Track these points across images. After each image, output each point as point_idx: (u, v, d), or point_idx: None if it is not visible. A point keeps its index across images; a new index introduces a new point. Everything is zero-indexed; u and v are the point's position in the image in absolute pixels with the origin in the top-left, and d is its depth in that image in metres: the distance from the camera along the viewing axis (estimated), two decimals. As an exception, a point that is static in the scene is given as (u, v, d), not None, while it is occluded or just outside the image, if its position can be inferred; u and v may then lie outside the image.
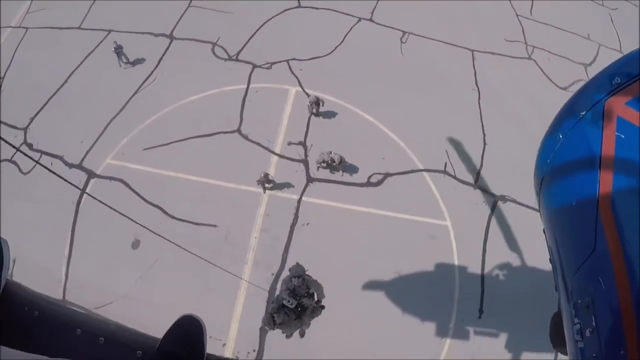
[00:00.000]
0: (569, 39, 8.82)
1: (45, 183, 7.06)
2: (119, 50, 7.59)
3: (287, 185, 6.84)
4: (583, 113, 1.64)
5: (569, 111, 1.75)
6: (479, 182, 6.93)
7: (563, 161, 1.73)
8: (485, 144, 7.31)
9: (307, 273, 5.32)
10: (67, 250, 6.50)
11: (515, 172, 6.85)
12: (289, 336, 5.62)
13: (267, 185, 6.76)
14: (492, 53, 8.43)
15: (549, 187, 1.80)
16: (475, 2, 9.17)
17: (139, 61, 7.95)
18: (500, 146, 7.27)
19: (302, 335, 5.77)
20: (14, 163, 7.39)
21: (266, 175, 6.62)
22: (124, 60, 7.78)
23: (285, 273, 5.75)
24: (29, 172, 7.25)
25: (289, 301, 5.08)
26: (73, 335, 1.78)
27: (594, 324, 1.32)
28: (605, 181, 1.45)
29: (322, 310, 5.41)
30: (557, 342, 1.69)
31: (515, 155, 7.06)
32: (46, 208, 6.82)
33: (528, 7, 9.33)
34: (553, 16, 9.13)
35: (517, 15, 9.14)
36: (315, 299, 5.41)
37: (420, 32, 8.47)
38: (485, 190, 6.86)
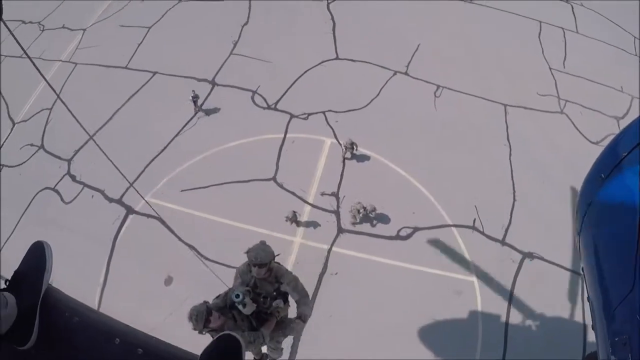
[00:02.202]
0: (601, 92, 8.92)
1: (85, 214, 7.54)
2: (195, 99, 8.05)
3: (319, 235, 7.10)
4: (624, 154, 1.74)
5: (611, 153, 1.92)
6: (506, 239, 7.04)
7: (604, 202, 1.83)
8: (514, 200, 7.42)
9: (277, 261, 4.40)
10: (102, 279, 6.84)
11: (544, 229, 7.09)
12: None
13: (296, 221, 7.08)
14: (525, 107, 8.59)
15: (589, 227, 1.88)
16: (509, 56, 9.39)
17: (212, 111, 8.39)
18: (529, 202, 7.38)
19: None
20: (57, 192, 7.88)
21: (294, 213, 6.95)
22: (198, 108, 8.23)
23: (312, 322, 5.83)
24: (71, 202, 7.71)
25: (240, 300, 3.87)
26: (112, 344, 1.86)
27: None
28: None
29: (303, 326, 4.43)
30: None
31: (544, 212, 7.27)
32: (84, 238, 7.18)
33: (561, 60, 9.49)
34: (586, 69, 9.24)
35: (550, 69, 9.29)
36: (289, 305, 4.56)
37: (454, 87, 8.73)
38: (512, 247, 6.97)
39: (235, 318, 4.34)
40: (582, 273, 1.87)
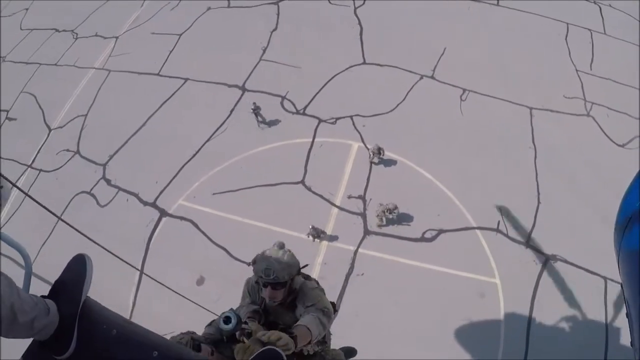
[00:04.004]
0: (629, 93, 8.86)
1: (120, 217, 7.93)
2: (257, 111, 8.26)
3: (345, 236, 7.32)
4: None
5: None
6: (530, 241, 7.13)
7: None
8: (539, 202, 7.50)
9: (306, 273, 3.60)
10: (136, 279, 7.20)
11: (568, 232, 7.14)
12: None
13: (318, 237, 7.19)
14: (551, 110, 8.63)
15: (630, 240, 1.85)
16: (535, 58, 9.43)
17: (273, 122, 8.59)
18: (554, 205, 7.45)
19: None
20: (93, 195, 8.31)
21: (315, 228, 7.09)
22: (261, 119, 8.43)
23: (338, 320, 5.93)
24: (106, 205, 8.13)
25: (231, 328, 2.61)
26: (150, 357, 1.90)
27: None
28: None
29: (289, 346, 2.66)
30: None
31: (568, 215, 7.33)
32: (119, 240, 7.32)
33: (588, 62, 9.45)
34: (613, 70, 9.21)
35: (577, 71, 9.28)
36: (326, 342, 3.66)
37: (480, 90, 8.84)
38: (536, 249, 7.05)
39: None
40: (621, 288, 1.92)
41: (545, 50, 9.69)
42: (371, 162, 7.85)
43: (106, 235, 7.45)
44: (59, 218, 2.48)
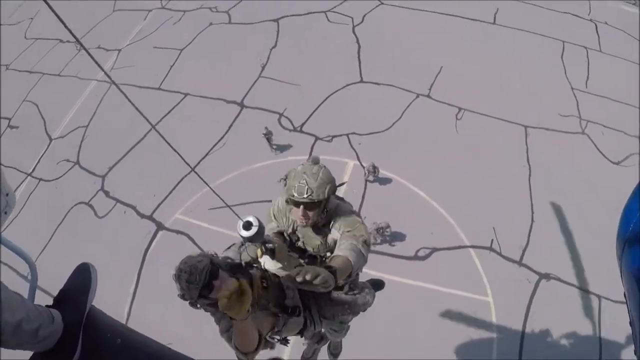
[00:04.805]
0: (624, 111, 8.96)
1: (117, 228, 7.98)
2: (269, 136, 8.30)
3: None
4: None
5: None
6: (524, 260, 7.16)
7: None
8: (533, 221, 7.53)
9: (341, 197, 3.36)
10: (132, 289, 7.23)
11: (562, 250, 7.20)
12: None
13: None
14: (546, 129, 8.70)
15: (632, 250, 1.81)
16: (531, 77, 9.56)
17: (285, 147, 8.59)
18: (548, 223, 7.49)
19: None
20: (91, 206, 8.37)
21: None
22: (274, 145, 8.47)
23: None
24: (104, 216, 8.19)
25: (252, 234, 2.50)
26: None
27: None
28: None
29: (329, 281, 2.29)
30: None
31: (563, 233, 7.38)
32: (116, 251, 7.60)
33: (584, 80, 9.56)
34: (609, 87, 9.31)
35: (572, 89, 9.38)
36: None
37: (475, 109, 8.95)
38: (529, 268, 7.08)
39: (264, 284, 2.82)
40: (624, 297, 1.91)
41: (541, 69, 9.81)
42: (366, 180, 7.93)
43: (103, 245, 7.69)
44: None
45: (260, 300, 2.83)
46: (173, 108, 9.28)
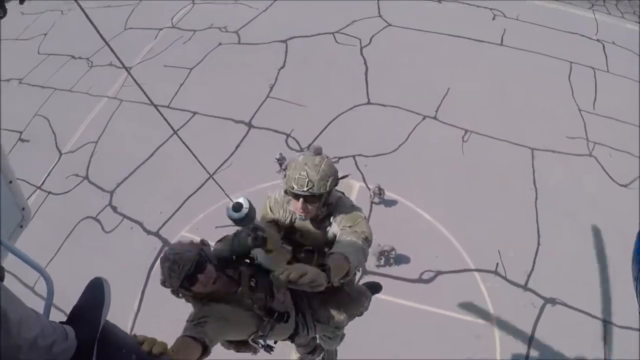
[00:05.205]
0: (632, 132, 8.91)
1: (124, 244, 8.04)
2: (281, 162, 8.33)
3: None
4: None
5: None
6: (529, 284, 7.10)
7: None
8: (539, 244, 7.49)
9: (341, 191, 3.36)
10: (136, 305, 7.25)
11: (568, 275, 7.13)
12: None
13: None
14: (552, 151, 8.69)
15: None
16: (538, 98, 9.57)
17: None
18: (554, 247, 7.44)
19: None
20: (98, 221, 8.44)
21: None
22: (284, 167, 8.38)
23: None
24: (111, 231, 8.25)
25: (241, 216, 2.43)
26: None
27: None
28: None
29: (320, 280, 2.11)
30: None
31: (568, 258, 7.32)
32: (122, 266, 7.61)
33: (591, 101, 9.56)
34: (616, 108, 9.30)
35: (580, 110, 9.38)
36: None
37: (481, 131, 8.96)
38: (535, 292, 7.02)
39: (251, 284, 2.80)
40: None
41: (549, 90, 9.83)
42: (372, 202, 7.96)
43: (109, 260, 7.72)
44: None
45: (244, 300, 2.76)
46: (182, 126, 9.35)
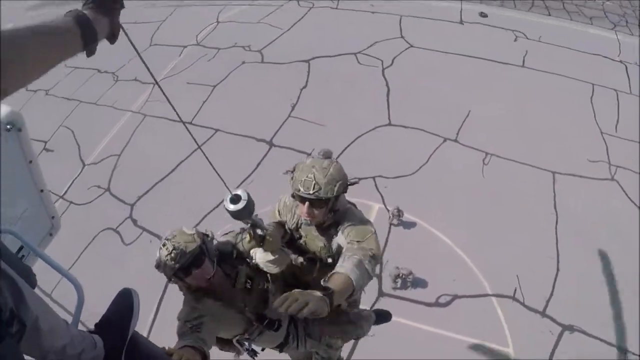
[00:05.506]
0: None
1: (142, 256, 8.00)
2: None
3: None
4: None
5: None
6: (547, 310, 7.00)
7: None
8: (558, 270, 7.40)
9: (352, 202, 3.31)
10: (152, 317, 7.30)
11: (588, 302, 7.02)
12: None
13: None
14: (574, 175, 8.61)
15: None
16: (560, 121, 9.52)
17: None
18: (573, 273, 7.35)
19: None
20: (118, 233, 8.56)
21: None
22: (292, 169, 8.50)
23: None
24: (130, 244, 8.35)
25: (237, 209, 2.40)
26: None
27: None
28: None
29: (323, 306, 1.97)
30: None
31: (588, 284, 7.23)
32: (139, 278, 7.51)
33: (613, 123, 9.48)
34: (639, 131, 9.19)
35: (602, 133, 9.30)
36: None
37: (502, 154, 8.93)
38: (553, 319, 6.92)
39: (247, 285, 2.77)
40: None
41: (570, 112, 9.77)
42: (390, 224, 7.96)
43: (127, 271, 7.83)
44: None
45: (236, 302, 2.76)
46: (203, 143, 9.40)
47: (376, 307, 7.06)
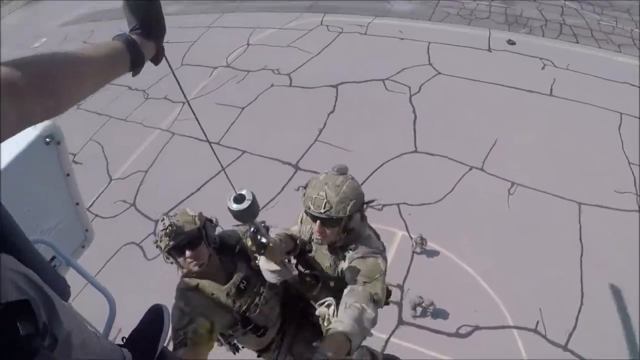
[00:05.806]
0: None
1: (163, 272, 8.10)
2: None
3: (379, 324, 7.22)
4: None
5: None
6: (569, 344, 6.86)
7: None
8: (582, 304, 7.27)
9: (371, 225, 3.24)
10: (169, 334, 7.37)
11: (611, 337, 6.85)
12: None
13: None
14: (600, 206, 8.49)
15: None
16: (587, 151, 9.45)
17: None
18: (597, 307, 7.20)
19: None
20: (141, 248, 8.72)
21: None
22: (305, 185, 8.60)
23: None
24: (153, 259, 8.43)
25: (241, 209, 2.19)
26: None
27: None
28: None
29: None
30: None
31: (612, 319, 7.07)
32: (158, 294, 7.71)
33: None
34: None
35: (630, 164, 9.20)
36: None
37: (528, 184, 8.88)
38: (575, 354, 6.76)
39: (241, 285, 2.72)
40: None
41: (598, 142, 9.70)
42: (413, 252, 7.96)
43: (147, 286, 7.78)
44: None
45: (225, 301, 2.71)
46: (230, 164, 9.60)
47: (395, 335, 7.08)
